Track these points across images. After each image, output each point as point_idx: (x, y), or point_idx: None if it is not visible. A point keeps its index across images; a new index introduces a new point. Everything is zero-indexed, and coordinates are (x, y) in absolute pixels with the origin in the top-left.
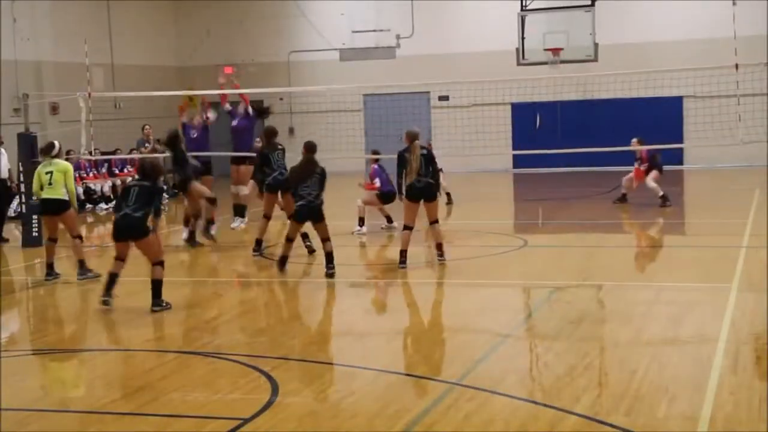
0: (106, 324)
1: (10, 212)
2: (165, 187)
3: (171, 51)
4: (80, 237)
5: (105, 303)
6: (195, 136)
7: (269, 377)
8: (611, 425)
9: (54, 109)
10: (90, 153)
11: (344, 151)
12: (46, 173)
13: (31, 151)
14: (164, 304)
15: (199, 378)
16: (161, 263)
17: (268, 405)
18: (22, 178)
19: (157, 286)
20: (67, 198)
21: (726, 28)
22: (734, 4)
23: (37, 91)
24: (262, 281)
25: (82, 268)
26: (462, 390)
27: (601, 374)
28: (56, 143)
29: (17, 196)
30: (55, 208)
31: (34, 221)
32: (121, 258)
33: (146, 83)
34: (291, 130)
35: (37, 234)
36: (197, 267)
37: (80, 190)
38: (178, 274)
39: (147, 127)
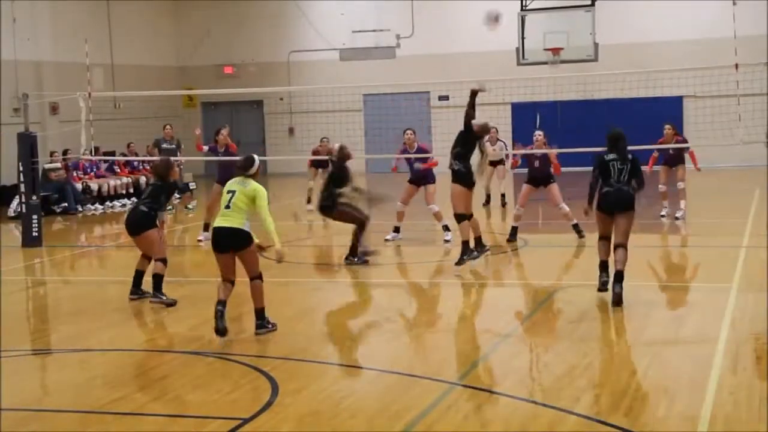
0: (106, 324)
1: (10, 212)
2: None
3: (171, 51)
4: (262, 276)
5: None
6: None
7: (269, 377)
8: (611, 425)
9: (54, 109)
10: (90, 153)
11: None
12: (228, 192)
13: (30, 151)
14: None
15: (199, 378)
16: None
17: (268, 405)
18: (22, 178)
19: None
20: (246, 229)
21: (726, 28)
22: (734, 4)
23: (37, 91)
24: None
25: (261, 319)
26: (462, 390)
27: (601, 374)
28: (257, 159)
29: (17, 196)
30: (231, 240)
31: (33, 221)
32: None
33: (146, 83)
34: (291, 130)
35: (36, 234)
36: (197, 267)
37: (79, 187)
38: (178, 274)
39: (168, 126)
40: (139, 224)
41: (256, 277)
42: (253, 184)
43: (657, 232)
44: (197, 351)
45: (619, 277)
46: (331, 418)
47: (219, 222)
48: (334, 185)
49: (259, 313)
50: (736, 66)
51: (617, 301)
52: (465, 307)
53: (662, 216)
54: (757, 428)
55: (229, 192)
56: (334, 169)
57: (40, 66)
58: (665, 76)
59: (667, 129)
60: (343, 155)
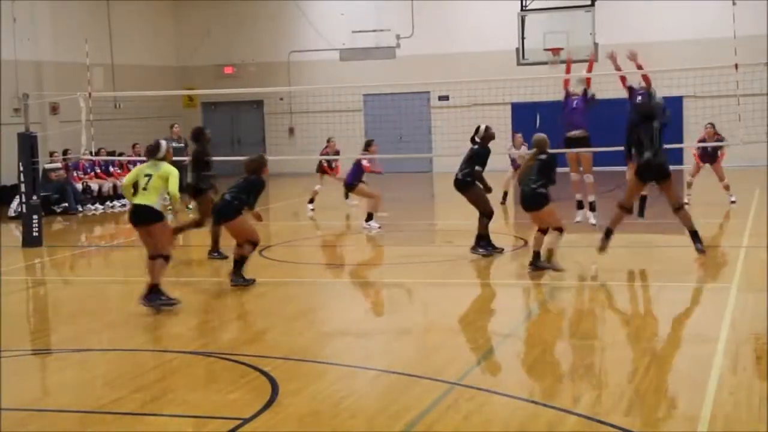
0: (106, 324)
1: (10, 212)
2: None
3: (171, 51)
4: (168, 257)
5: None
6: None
7: (269, 377)
8: (611, 425)
9: (54, 109)
10: (90, 153)
11: (344, 152)
12: (145, 176)
13: (31, 151)
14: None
15: (199, 378)
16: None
17: (268, 405)
18: (22, 178)
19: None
20: (159, 208)
21: (726, 28)
22: (734, 4)
23: (37, 91)
24: (262, 281)
25: (153, 293)
26: (462, 390)
27: (601, 374)
28: (163, 144)
29: (17, 196)
30: (144, 216)
31: (34, 221)
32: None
33: (146, 83)
34: (291, 130)
35: (37, 234)
36: (199, 267)
37: (79, 187)
38: (179, 274)
39: (176, 126)
40: (221, 213)
41: (160, 255)
42: (165, 167)
43: (658, 232)
44: (197, 351)
45: (693, 236)
46: (331, 418)
47: (136, 200)
48: (474, 163)
49: (151, 288)
50: (736, 66)
51: (700, 251)
52: (465, 307)
53: (686, 204)
54: (757, 428)
55: (146, 176)
56: (479, 148)
57: (40, 66)
58: (665, 76)
59: (708, 128)
60: (488, 135)
